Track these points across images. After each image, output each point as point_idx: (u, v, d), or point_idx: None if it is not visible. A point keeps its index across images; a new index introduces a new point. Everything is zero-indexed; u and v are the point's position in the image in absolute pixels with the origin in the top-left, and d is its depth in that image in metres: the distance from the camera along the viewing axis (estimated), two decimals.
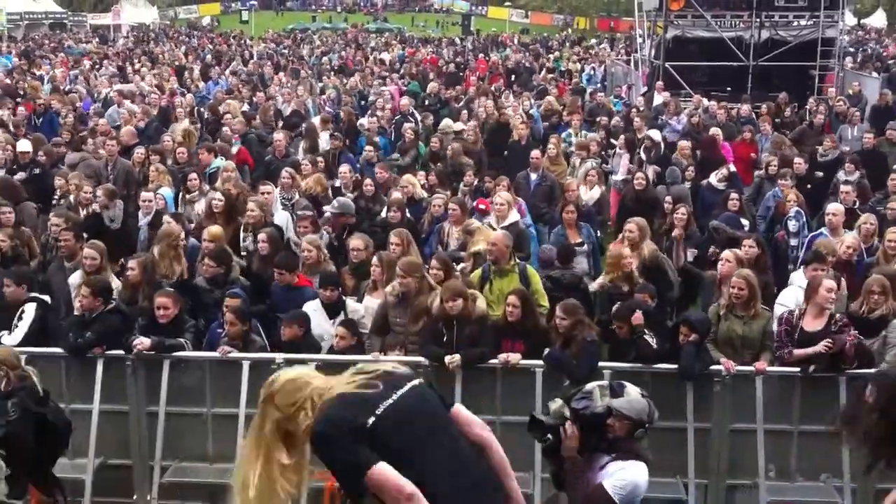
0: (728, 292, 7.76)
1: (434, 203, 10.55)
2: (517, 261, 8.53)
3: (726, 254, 8.44)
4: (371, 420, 3.17)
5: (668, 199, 10.76)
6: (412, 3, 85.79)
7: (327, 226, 10.08)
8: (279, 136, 13.81)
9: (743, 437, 7.14)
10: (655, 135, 14.69)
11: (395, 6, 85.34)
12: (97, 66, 28.35)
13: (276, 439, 3.31)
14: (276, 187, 10.84)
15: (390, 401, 3.23)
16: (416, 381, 3.42)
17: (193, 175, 11.22)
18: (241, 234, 9.74)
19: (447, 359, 7.19)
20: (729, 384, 7.10)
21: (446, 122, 15.93)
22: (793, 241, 9.87)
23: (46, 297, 8.03)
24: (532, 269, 8.54)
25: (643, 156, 13.52)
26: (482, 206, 10.44)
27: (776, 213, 10.81)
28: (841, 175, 12.49)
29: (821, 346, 6.96)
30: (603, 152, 14.78)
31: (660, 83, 21.14)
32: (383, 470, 3.10)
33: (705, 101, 18.62)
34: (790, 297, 7.98)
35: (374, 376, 3.31)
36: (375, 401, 3.21)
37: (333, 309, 8.01)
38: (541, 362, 7.21)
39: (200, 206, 10.58)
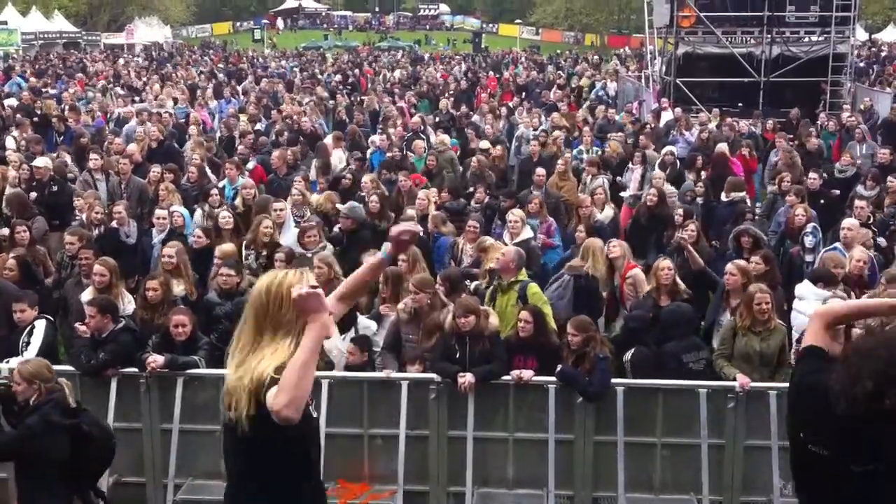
0: (736, 305, 7.81)
1: (430, 219, 10.61)
2: (521, 278, 8.44)
3: (730, 267, 8.44)
4: None
5: (679, 212, 10.75)
6: (423, 21, 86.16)
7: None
8: (276, 154, 13.88)
9: (757, 453, 7.09)
10: (675, 151, 14.72)
11: (406, 24, 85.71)
12: (111, 85, 28.54)
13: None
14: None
15: None
16: None
17: (215, 190, 11.28)
18: (244, 252, 9.78)
19: (460, 380, 7.18)
20: (743, 400, 7.07)
21: (442, 139, 16.00)
22: (808, 258, 9.84)
23: (49, 317, 8.04)
24: (534, 288, 8.36)
25: (659, 171, 13.49)
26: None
27: (787, 228, 10.79)
28: (860, 189, 12.49)
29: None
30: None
31: (665, 100, 21.18)
32: None
33: (715, 119, 18.65)
34: (807, 307, 7.93)
35: None
36: None
37: (345, 325, 8.02)
38: (553, 378, 7.20)
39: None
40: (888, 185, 11.87)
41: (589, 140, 16.30)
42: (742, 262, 8.57)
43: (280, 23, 79.85)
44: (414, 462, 7.13)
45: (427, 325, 7.84)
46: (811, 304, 7.92)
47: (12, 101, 22.29)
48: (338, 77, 33.39)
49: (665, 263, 8.65)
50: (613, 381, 7.14)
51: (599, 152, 15.59)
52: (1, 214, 11.66)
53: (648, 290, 8.68)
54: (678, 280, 8.63)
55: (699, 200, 12.17)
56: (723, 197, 11.97)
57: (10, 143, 16.44)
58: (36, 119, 18.23)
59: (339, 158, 15.10)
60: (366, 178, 12.37)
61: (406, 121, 19.12)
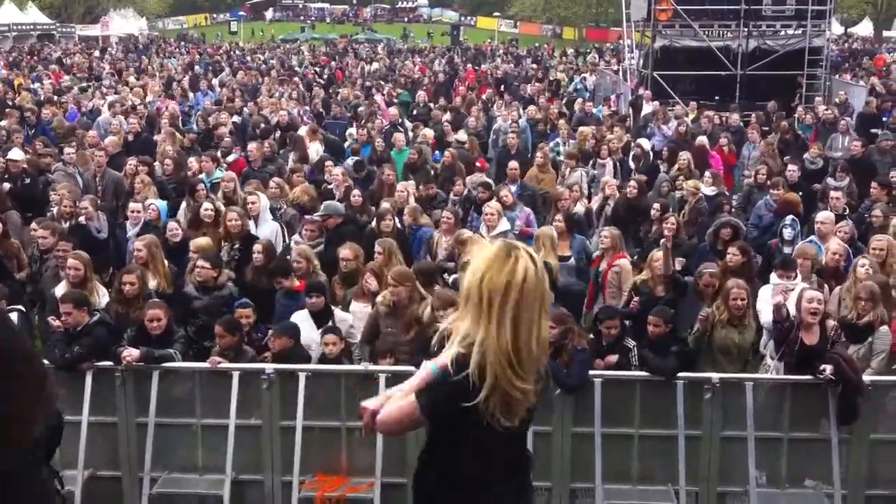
0: (711, 298, 7.87)
1: (406, 211, 10.61)
2: None
3: (706, 279, 8.39)
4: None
5: (657, 206, 10.78)
6: (400, 14, 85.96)
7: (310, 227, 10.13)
8: (253, 146, 13.81)
9: (734, 444, 7.13)
10: (645, 143, 14.74)
11: (384, 16, 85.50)
12: (92, 82, 28.29)
13: None
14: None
15: None
16: None
17: (201, 185, 11.21)
18: (223, 244, 9.73)
19: None
20: (719, 391, 7.10)
21: (424, 132, 15.95)
22: (786, 249, 9.87)
23: (21, 308, 7.95)
24: None
25: (632, 164, 13.54)
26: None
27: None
28: (831, 181, 12.59)
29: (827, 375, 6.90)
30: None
31: (647, 92, 21.24)
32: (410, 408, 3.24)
33: (692, 112, 18.74)
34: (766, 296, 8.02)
35: None
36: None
37: (321, 318, 8.01)
38: None
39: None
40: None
41: (566, 133, 16.32)
42: (713, 268, 8.52)
43: (270, 13, 79.43)
44: (392, 454, 7.12)
45: (406, 318, 7.83)
46: (766, 291, 8.11)
47: None
48: (314, 69, 33.25)
49: (661, 255, 8.70)
50: (591, 372, 7.14)
51: (575, 145, 15.60)
52: None
53: (644, 281, 8.72)
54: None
55: (677, 194, 12.18)
56: (702, 187, 11.98)
57: None
58: (8, 111, 18.03)
59: (315, 151, 15.04)
60: (336, 171, 12.33)
61: (385, 113, 19.07)
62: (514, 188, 11.99)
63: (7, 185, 11.92)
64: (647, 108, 19.98)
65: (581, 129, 16.27)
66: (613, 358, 7.34)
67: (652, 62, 23.08)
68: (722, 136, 15.73)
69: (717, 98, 21.59)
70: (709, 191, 11.95)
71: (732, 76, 22.25)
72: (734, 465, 7.14)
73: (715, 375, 7.16)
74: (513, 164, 12.78)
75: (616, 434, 7.17)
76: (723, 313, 7.69)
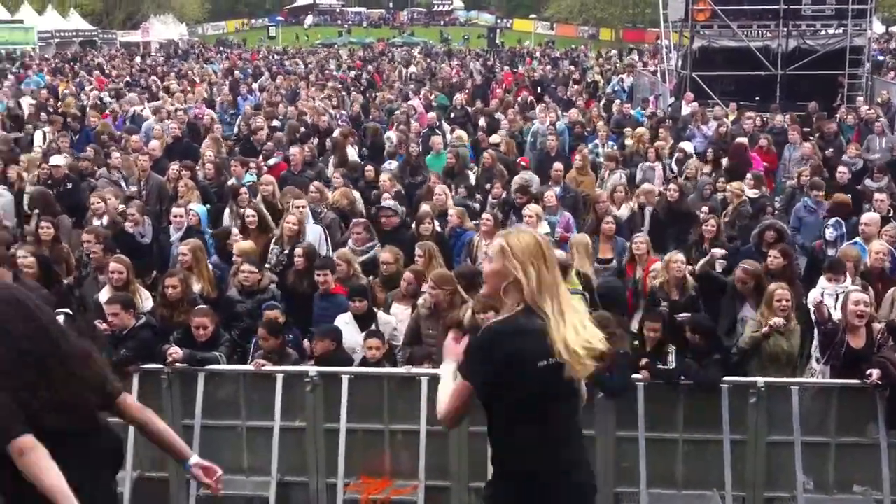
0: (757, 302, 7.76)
1: (450, 214, 10.62)
2: (569, 287, 8.35)
3: (739, 274, 8.32)
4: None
5: (705, 209, 10.68)
6: (437, 17, 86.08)
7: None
8: (294, 150, 13.90)
9: (780, 449, 7.06)
10: (688, 146, 14.64)
11: (421, 20, 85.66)
12: (128, 84, 28.68)
13: None
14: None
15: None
16: None
17: (244, 189, 11.32)
18: (272, 247, 9.81)
19: None
20: (764, 396, 7.03)
21: (459, 134, 15.97)
22: (830, 251, 9.76)
23: (68, 310, 8.05)
24: (578, 299, 8.21)
25: (675, 167, 13.44)
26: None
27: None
28: (869, 183, 12.43)
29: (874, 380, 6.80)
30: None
31: (689, 94, 21.07)
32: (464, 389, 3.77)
33: (732, 114, 18.57)
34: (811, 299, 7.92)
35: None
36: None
37: (365, 321, 8.05)
38: None
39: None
40: None
41: (604, 135, 16.27)
42: (751, 266, 8.42)
43: (309, 19, 79.95)
44: (435, 457, 7.14)
45: (446, 321, 7.83)
46: (816, 294, 7.98)
47: (29, 99, 22.43)
48: (352, 73, 33.43)
49: (677, 257, 8.63)
50: (634, 376, 7.10)
51: (615, 147, 15.55)
52: (22, 212, 11.70)
53: (660, 284, 8.65)
54: (688, 275, 8.61)
55: (719, 196, 12.08)
56: (748, 192, 11.84)
57: (38, 138, 16.55)
58: (52, 117, 18.30)
59: (350, 155, 15.10)
60: (383, 177, 12.40)
61: (422, 117, 19.12)
62: (557, 190, 11.98)
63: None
64: (686, 109, 19.85)
65: (638, 129, 16.20)
66: (646, 374, 7.21)
67: (690, 63, 22.91)
68: (762, 137, 15.57)
69: (757, 99, 21.39)
70: (751, 193, 11.84)
71: (772, 76, 22.03)
72: (781, 471, 7.06)
73: (760, 379, 7.09)
74: (557, 165, 12.76)
75: (660, 438, 7.13)
76: (767, 318, 7.56)
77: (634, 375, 7.11)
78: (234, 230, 10.22)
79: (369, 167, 13.24)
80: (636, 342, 7.51)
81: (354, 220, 10.24)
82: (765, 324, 7.55)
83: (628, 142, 15.65)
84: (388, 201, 10.75)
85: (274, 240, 9.89)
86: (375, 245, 9.87)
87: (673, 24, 26.20)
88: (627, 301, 9.09)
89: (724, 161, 13.06)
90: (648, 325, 7.40)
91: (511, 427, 3.69)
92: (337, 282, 8.75)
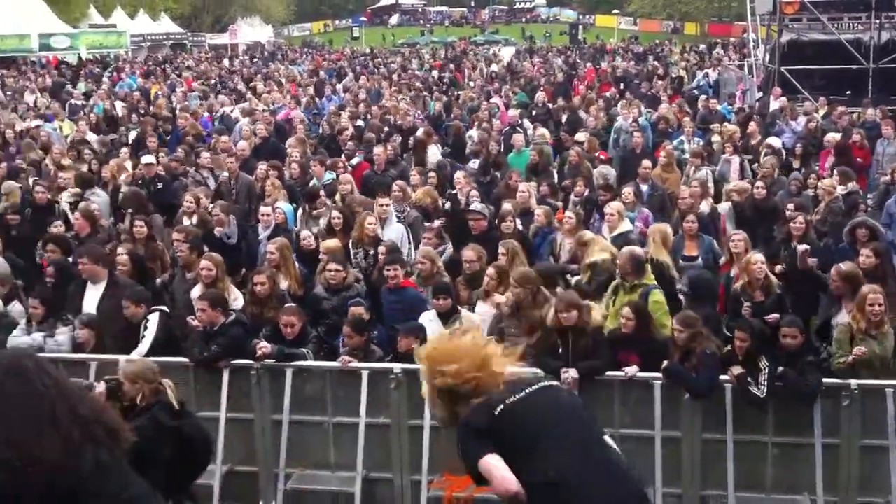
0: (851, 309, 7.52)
1: (537, 213, 10.58)
2: (647, 282, 8.19)
3: (833, 276, 8.07)
4: (490, 418, 3.45)
5: (791, 206, 10.44)
6: (518, 14, 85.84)
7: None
8: (378, 149, 14.03)
9: (874, 453, 6.88)
10: (775, 142, 14.32)
11: (502, 18, 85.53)
12: (217, 85, 29.38)
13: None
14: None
15: (511, 400, 3.48)
16: (546, 383, 3.68)
17: (322, 193, 11.51)
18: (352, 250, 9.94)
19: (563, 373, 7.14)
20: (858, 398, 6.85)
21: (542, 132, 15.92)
22: None
23: (164, 308, 8.27)
24: (657, 296, 8.06)
25: (773, 159, 13.11)
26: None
27: None
28: None
29: None
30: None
31: (777, 89, 20.58)
32: (490, 461, 3.35)
33: (823, 108, 18.09)
34: None
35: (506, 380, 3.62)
36: (495, 403, 3.48)
37: (448, 318, 8.09)
38: (659, 375, 7.11)
39: (323, 222, 10.82)
40: None
41: (690, 131, 16.01)
42: (845, 267, 8.13)
43: (394, 19, 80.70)
44: None
45: (528, 320, 7.84)
46: None
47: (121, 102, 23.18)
48: (434, 73, 33.58)
49: (757, 257, 8.38)
50: (722, 377, 6.99)
51: (701, 143, 15.30)
52: (117, 211, 12.09)
53: (742, 286, 8.45)
54: (770, 274, 8.40)
55: (810, 192, 11.78)
56: (838, 189, 11.52)
57: (132, 139, 17.09)
58: (143, 118, 18.87)
59: (432, 153, 15.18)
60: (458, 175, 12.44)
61: (503, 115, 19.11)
62: (644, 187, 11.85)
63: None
64: (775, 104, 19.40)
65: (728, 126, 15.93)
66: (737, 370, 7.05)
67: (779, 57, 22.37)
68: (854, 132, 15.12)
69: (848, 93, 20.76)
70: (841, 189, 11.51)
71: (864, 70, 21.34)
72: (875, 475, 6.88)
73: (853, 382, 6.90)
74: (646, 162, 12.61)
75: (748, 441, 7.01)
76: (860, 322, 7.25)
77: (722, 377, 7.00)
78: (305, 232, 10.36)
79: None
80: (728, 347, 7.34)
81: (427, 225, 10.25)
82: (856, 327, 7.28)
83: (715, 138, 15.37)
84: (475, 204, 10.74)
85: (352, 242, 10.00)
86: (446, 248, 9.91)
87: (760, 18, 25.67)
88: (719, 296, 8.90)
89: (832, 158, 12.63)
90: (737, 334, 7.19)
91: None
92: (420, 280, 8.84)
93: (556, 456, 3.36)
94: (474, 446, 3.45)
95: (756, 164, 13.76)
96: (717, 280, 9.11)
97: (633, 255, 8.28)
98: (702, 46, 45.91)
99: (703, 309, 7.88)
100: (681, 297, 8.70)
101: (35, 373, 2.84)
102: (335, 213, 10.43)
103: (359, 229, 9.98)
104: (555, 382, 3.84)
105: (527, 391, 3.53)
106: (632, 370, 7.17)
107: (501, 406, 3.47)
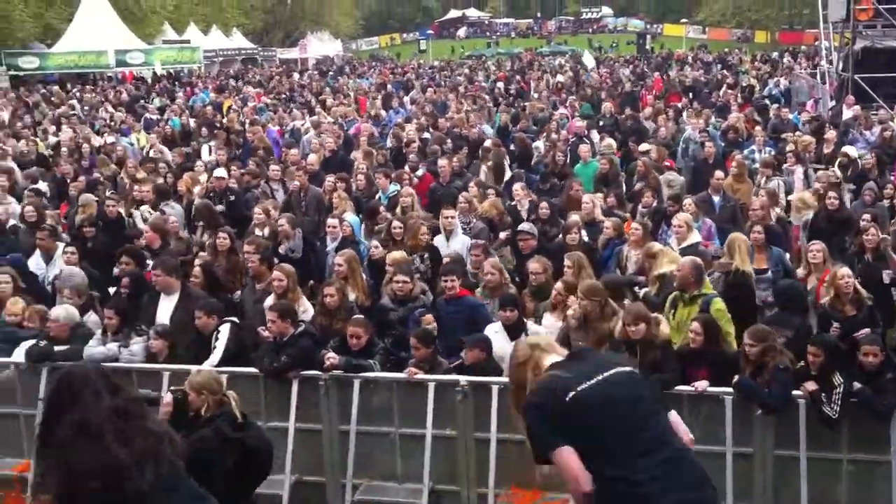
0: None
1: (606, 226, 10.51)
2: (705, 291, 8.15)
3: None
4: (560, 404, 3.47)
5: (866, 217, 10.19)
6: (585, 25, 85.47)
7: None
8: (443, 161, 14.08)
9: None
10: (852, 151, 14.01)
11: (569, 28, 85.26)
12: (287, 99, 29.84)
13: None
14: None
15: (582, 387, 3.48)
16: (623, 368, 3.67)
17: (383, 208, 11.64)
18: (412, 257, 9.97)
19: None
20: None
21: (608, 142, 15.82)
22: None
23: (235, 319, 8.39)
24: (718, 304, 8.00)
25: (839, 173, 12.86)
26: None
27: None
28: None
29: None
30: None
31: (850, 97, 20.13)
32: (567, 456, 3.42)
33: None
34: None
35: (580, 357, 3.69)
36: (564, 387, 3.50)
37: (514, 331, 8.08)
38: (730, 390, 6.99)
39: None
40: None
41: (761, 140, 15.74)
42: None
43: (462, 31, 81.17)
44: None
45: (596, 332, 7.78)
46: None
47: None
48: (500, 84, 33.58)
49: (844, 271, 8.20)
50: (795, 393, 6.84)
51: (773, 153, 15.03)
52: (190, 223, 12.34)
53: (830, 301, 8.24)
54: (859, 287, 8.20)
55: (885, 203, 11.49)
56: None
57: (204, 153, 17.47)
58: (216, 132, 19.25)
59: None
60: (517, 187, 12.43)
61: (571, 126, 19.03)
62: (717, 198, 11.71)
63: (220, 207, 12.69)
64: (848, 112, 18.97)
65: (804, 137, 15.66)
66: (811, 385, 6.90)
67: (852, 64, 21.90)
68: None
69: None
70: None
71: None
72: None
73: None
74: (719, 173, 12.42)
75: (822, 458, 6.85)
76: None
77: (795, 392, 6.85)
78: (374, 242, 10.45)
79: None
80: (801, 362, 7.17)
81: (473, 243, 10.23)
82: None
83: (789, 147, 15.08)
84: (524, 224, 10.71)
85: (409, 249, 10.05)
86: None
87: (833, 25, 25.12)
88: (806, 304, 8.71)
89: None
90: (810, 349, 7.02)
91: None
92: (487, 291, 8.85)
93: (625, 451, 3.38)
94: (546, 433, 3.50)
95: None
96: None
97: (696, 265, 8.19)
98: (773, 54, 45.14)
99: (794, 320, 7.73)
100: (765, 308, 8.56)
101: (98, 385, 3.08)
102: (396, 224, 10.51)
103: (413, 238, 10.06)
104: (628, 368, 3.77)
105: (598, 378, 3.52)
106: (702, 385, 7.06)
107: (573, 392, 3.47)
